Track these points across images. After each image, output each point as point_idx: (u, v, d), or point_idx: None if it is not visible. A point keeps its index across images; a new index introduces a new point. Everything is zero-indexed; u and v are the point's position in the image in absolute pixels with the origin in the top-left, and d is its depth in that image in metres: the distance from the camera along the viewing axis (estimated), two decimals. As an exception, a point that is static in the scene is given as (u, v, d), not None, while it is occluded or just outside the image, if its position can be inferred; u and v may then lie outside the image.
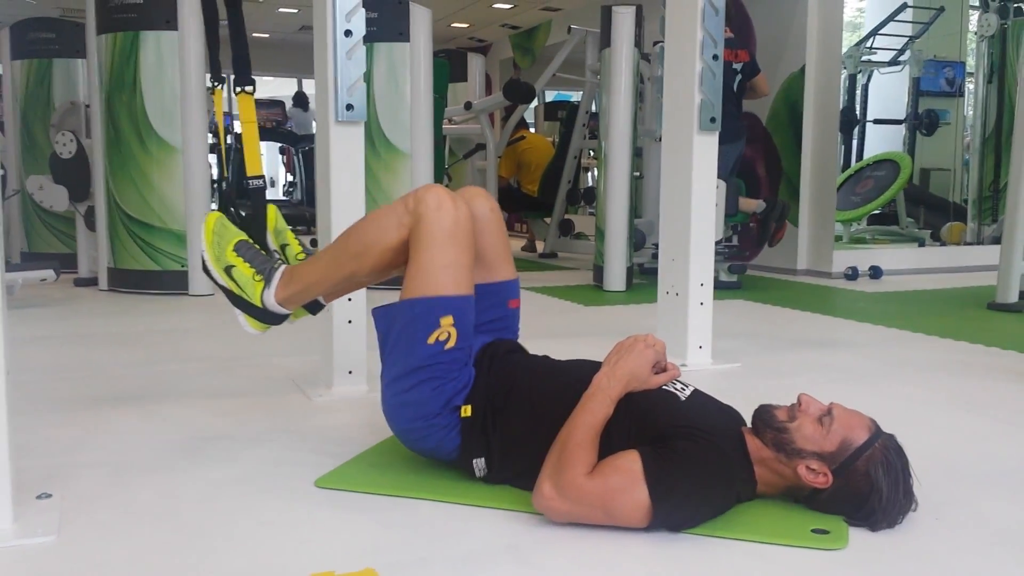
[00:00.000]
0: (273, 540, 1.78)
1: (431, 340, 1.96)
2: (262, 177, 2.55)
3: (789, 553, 1.72)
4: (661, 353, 1.97)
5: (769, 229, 6.14)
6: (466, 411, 1.98)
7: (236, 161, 12.05)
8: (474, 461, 2.00)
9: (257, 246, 2.35)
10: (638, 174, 6.53)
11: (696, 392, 1.98)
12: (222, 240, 2.29)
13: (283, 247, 2.45)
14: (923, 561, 1.70)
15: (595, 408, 1.85)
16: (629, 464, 1.74)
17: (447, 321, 1.96)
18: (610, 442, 1.83)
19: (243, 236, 2.33)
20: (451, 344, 1.97)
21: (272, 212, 2.46)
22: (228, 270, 2.27)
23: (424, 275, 1.99)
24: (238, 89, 2.59)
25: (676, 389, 1.95)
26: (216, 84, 2.64)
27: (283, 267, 2.28)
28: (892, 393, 3.09)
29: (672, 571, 1.65)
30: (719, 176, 5.84)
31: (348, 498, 2.00)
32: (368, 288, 2.98)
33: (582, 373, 1.97)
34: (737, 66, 5.99)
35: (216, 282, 2.31)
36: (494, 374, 2.04)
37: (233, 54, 2.57)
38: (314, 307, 2.39)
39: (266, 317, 2.29)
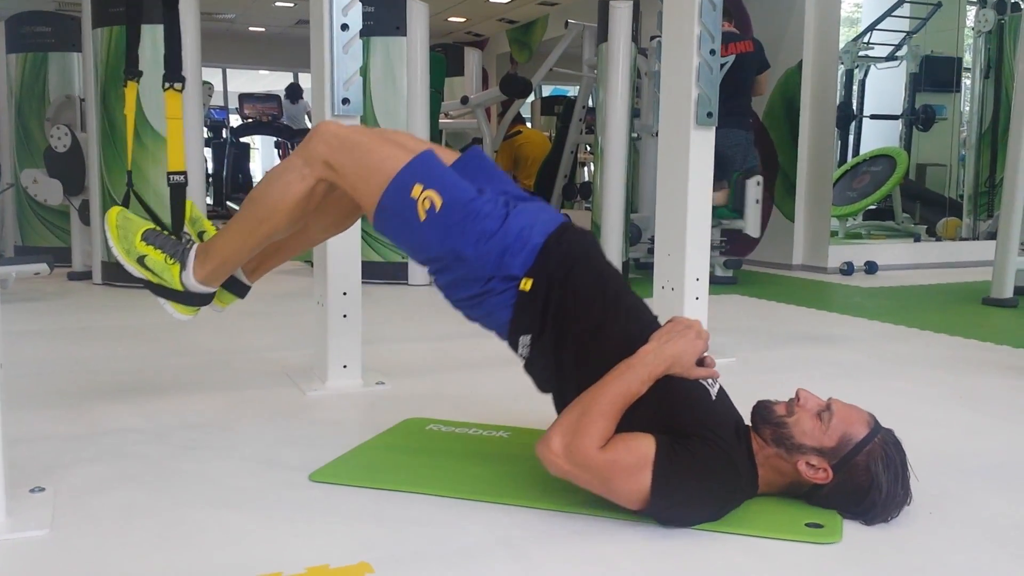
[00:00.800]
0: (267, 534, 1.78)
1: (422, 216, 1.93)
2: (183, 173, 2.61)
3: (783, 547, 1.72)
4: (707, 346, 1.93)
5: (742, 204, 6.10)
6: (526, 284, 1.91)
7: (232, 156, 12.05)
8: (521, 337, 1.95)
9: (166, 232, 2.34)
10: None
11: (722, 390, 1.96)
12: (128, 233, 2.27)
13: (200, 233, 2.45)
14: (917, 555, 1.70)
15: (631, 380, 1.81)
16: (643, 449, 1.73)
17: (417, 191, 1.93)
18: (633, 415, 1.80)
19: (149, 225, 2.31)
20: (440, 204, 1.93)
21: (188, 204, 2.50)
22: (141, 260, 2.26)
23: (368, 181, 1.98)
24: (167, 85, 2.61)
25: (708, 384, 1.91)
26: (131, 79, 2.66)
27: (195, 245, 2.28)
28: (887, 388, 3.09)
29: (666, 565, 1.65)
30: (736, 168, 5.87)
31: (343, 492, 2.00)
32: (365, 283, 2.98)
33: (649, 325, 1.94)
34: (725, 60, 5.96)
35: (132, 275, 2.29)
36: (576, 268, 1.94)
37: (166, 50, 2.59)
38: (240, 290, 2.41)
39: (191, 299, 2.29)
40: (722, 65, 5.90)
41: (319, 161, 2.02)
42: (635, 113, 6.02)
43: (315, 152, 2.02)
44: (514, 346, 1.98)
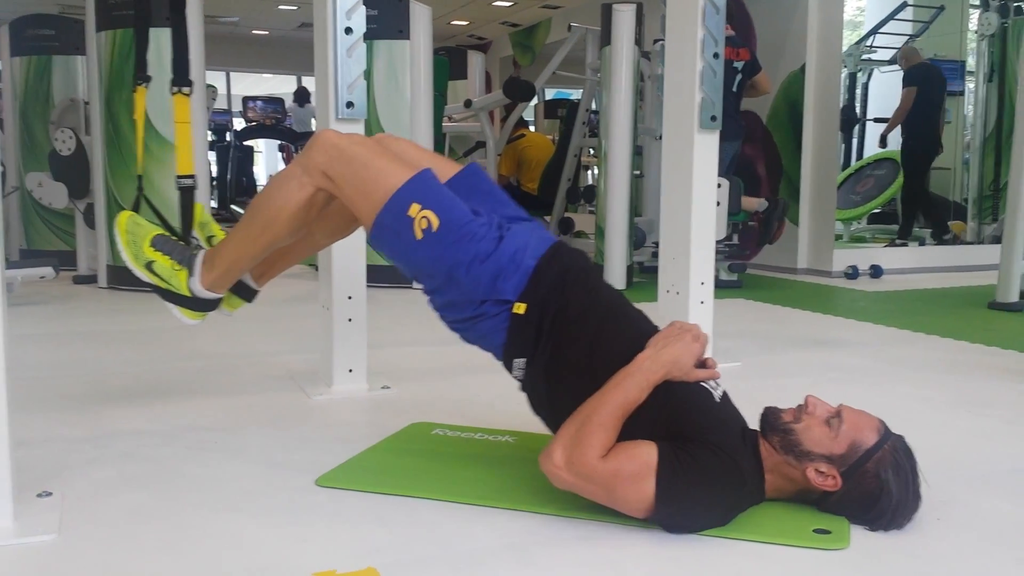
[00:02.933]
0: (274, 539, 1.78)
1: (419, 235, 1.93)
2: (192, 177, 2.61)
3: (791, 553, 1.71)
4: (705, 348, 1.92)
5: (771, 227, 6.13)
6: (519, 308, 1.93)
7: (235, 159, 12.05)
8: (515, 360, 1.97)
9: (175, 238, 2.35)
10: (638, 172, 6.52)
11: (726, 394, 1.95)
12: (137, 238, 2.28)
13: (209, 238, 2.46)
14: (925, 561, 1.70)
15: (630, 389, 1.81)
16: (645, 457, 1.73)
17: (415, 210, 1.94)
18: (635, 422, 1.80)
19: (158, 231, 2.32)
20: (436, 224, 1.93)
21: (198, 208, 2.52)
22: (149, 266, 2.27)
23: (365, 196, 1.99)
24: (175, 89, 2.61)
25: (711, 387, 1.91)
26: (140, 83, 2.66)
27: (202, 252, 2.29)
28: (892, 392, 3.09)
29: (673, 570, 1.64)
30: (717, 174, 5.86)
31: (349, 497, 2.00)
32: (370, 287, 2.98)
33: (643, 335, 1.92)
34: (738, 64, 5.98)
35: (141, 280, 2.30)
36: (568, 289, 1.95)
37: (173, 55, 2.59)
38: (248, 294, 2.41)
39: (199, 305, 2.30)
40: (737, 69, 5.95)
41: (317, 171, 2.03)
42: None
43: (313, 162, 2.03)
44: (509, 368, 2.00)
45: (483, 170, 2.24)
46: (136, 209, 2.45)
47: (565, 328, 1.91)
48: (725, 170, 5.91)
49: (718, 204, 5.70)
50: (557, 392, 1.92)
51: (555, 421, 1.94)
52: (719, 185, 5.70)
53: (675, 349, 1.85)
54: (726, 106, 5.88)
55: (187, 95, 2.60)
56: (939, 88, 7.62)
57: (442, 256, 1.93)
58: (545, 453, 1.80)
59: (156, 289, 2.29)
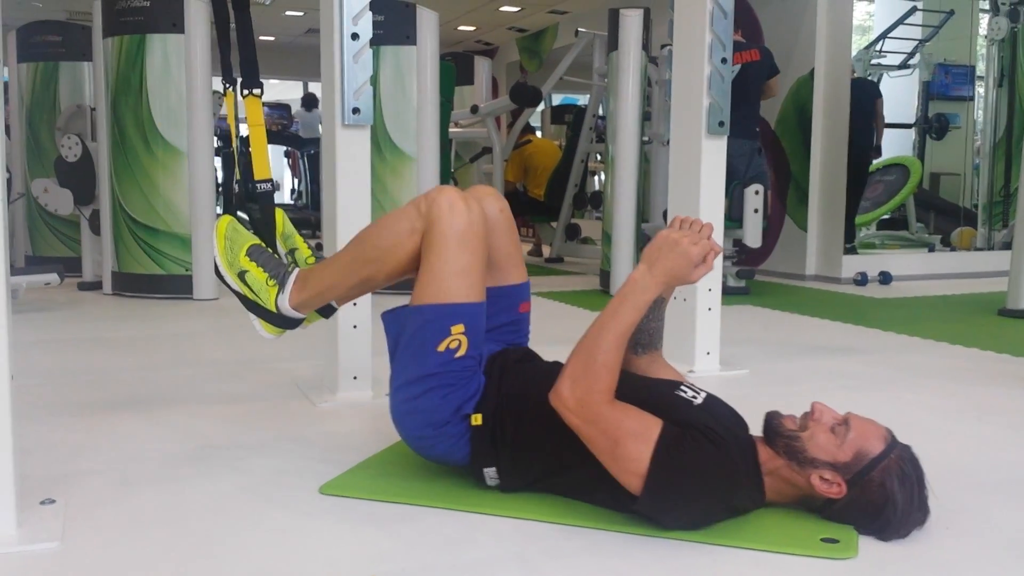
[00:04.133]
0: (278, 547, 1.76)
1: (441, 348, 1.94)
2: (271, 181, 2.51)
3: (798, 563, 1.70)
4: (708, 244, 1.82)
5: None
6: (476, 419, 1.95)
7: (243, 165, 12.09)
8: (485, 470, 1.98)
9: (270, 250, 2.34)
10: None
11: (710, 397, 1.95)
12: (234, 245, 2.28)
13: (292, 251, 2.43)
14: (935, 571, 1.68)
15: (626, 314, 1.79)
16: (651, 423, 1.75)
17: (458, 329, 1.94)
18: None
19: (255, 240, 2.32)
20: (462, 352, 1.94)
21: (280, 216, 2.44)
22: (242, 275, 2.26)
23: (436, 281, 1.96)
24: (246, 92, 2.57)
25: (689, 397, 1.90)
26: (228, 86, 2.61)
27: (296, 271, 2.27)
28: (901, 400, 3.06)
29: (681, 581, 1.63)
30: (737, 177, 5.85)
31: (353, 505, 1.98)
32: (375, 294, 2.97)
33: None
34: (736, 67, 5.95)
35: (230, 287, 2.29)
36: (506, 383, 2.00)
37: (240, 56, 2.55)
38: (327, 311, 2.37)
39: (281, 322, 2.28)
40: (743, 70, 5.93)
41: (429, 220, 1.99)
42: (646, 117, 6.00)
43: (428, 212, 1.98)
44: (481, 479, 2.01)
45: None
46: (233, 213, 2.41)
47: (515, 417, 1.94)
48: (752, 171, 5.92)
49: (755, 211, 5.73)
50: (536, 472, 1.95)
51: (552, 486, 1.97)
52: (756, 192, 5.72)
53: (669, 259, 1.81)
54: (747, 109, 5.91)
55: (258, 97, 2.55)
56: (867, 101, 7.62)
57: (438, 380, 1.94)
58: (555, 391, 1.80)
59: (242, 298, 2.28)
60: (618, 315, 1.80)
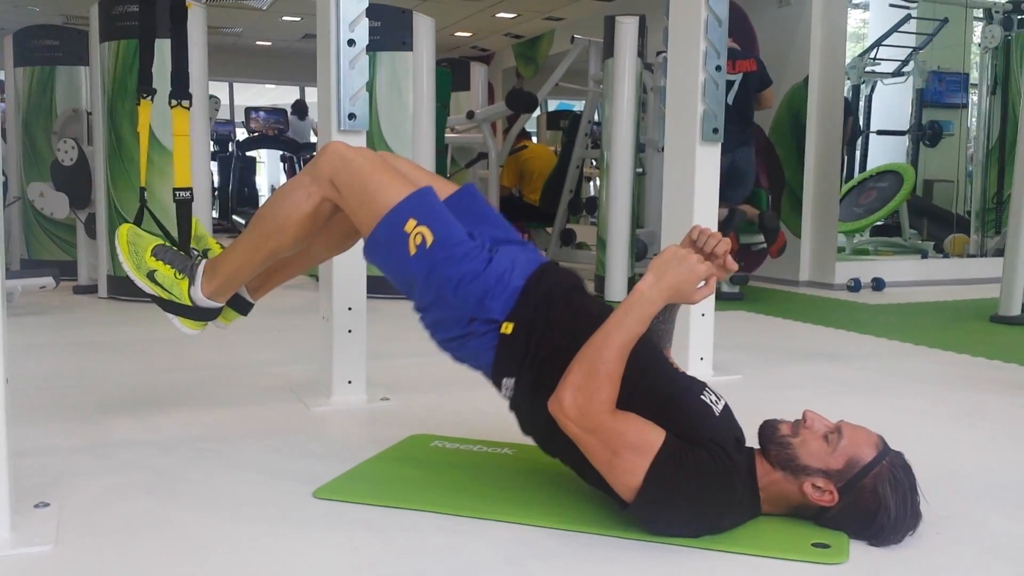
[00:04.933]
0: (271, 551, 1.77)
1: (412, 251, 1.95)
2: (189, 189, 2.64)
3: (789, 568, 1.70)
4: (707, 271, 1.83)
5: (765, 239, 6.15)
6: (507, 328, 1.93)
7: (237, 171, 12.07)
8: (504, 380, 1.97)
9: (175, 248, 2.37)
10: (640, 170, 6.49)
11: (727, 407, 1.94)
12: (138, 248, 2.30)
13: (204, 252, 2.48)
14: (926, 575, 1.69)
15: (631, 326, 1.79)
16: (652, 435, 1.74)
17: (411, 226, 1.95)
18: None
19: (159, 241, 2.35)
20: (431, 240, 1.94)
21: (194, 221, 2.55)
22: (151, 275, 2.28)
23: (366, 207, 2.01)
24: (174, 102, 2.62)
25: (711, 401, 1.89)
26: (145, 96, 2.67)
27: (204, 261, 2.31)
28: (893, 406, 3.07)
29: (673, 586, 1.64)
30: (750, 185, 5.90)
31: (347, 509, 1.99)
32: (370, 298, 2.98)
33: (643, 354, 1.90)
34: (735, 78, 5.97)
35: (142, 290, 2.31)
36: (555, 312, 1.94)
37: (172, 68, 2.61)
38: (244, 307, 2.43)
39: (199, 314, 2.31)
40: (730, 83, 5.95)
41: (325, 180, 2.05)
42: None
43: (322, 171, 2.05)
44: (498, 387, 2.00)
45: (479, 191, 2.25)
46: (139, 221, 2.46)
47: (550, 348, 1.91)
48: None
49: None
50: (545, 412, 1.89)
51: (544, 440, 1.95)
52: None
53: (677, 274, 1.80)
54: (748, 117, 5.94)
55: (187, 108, 2.61)
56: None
57: (433, 272, 1.94)
58: (555, 399, 1.79)
59: (156, 299, 2.30)
60: (623, 326, 1.79)
